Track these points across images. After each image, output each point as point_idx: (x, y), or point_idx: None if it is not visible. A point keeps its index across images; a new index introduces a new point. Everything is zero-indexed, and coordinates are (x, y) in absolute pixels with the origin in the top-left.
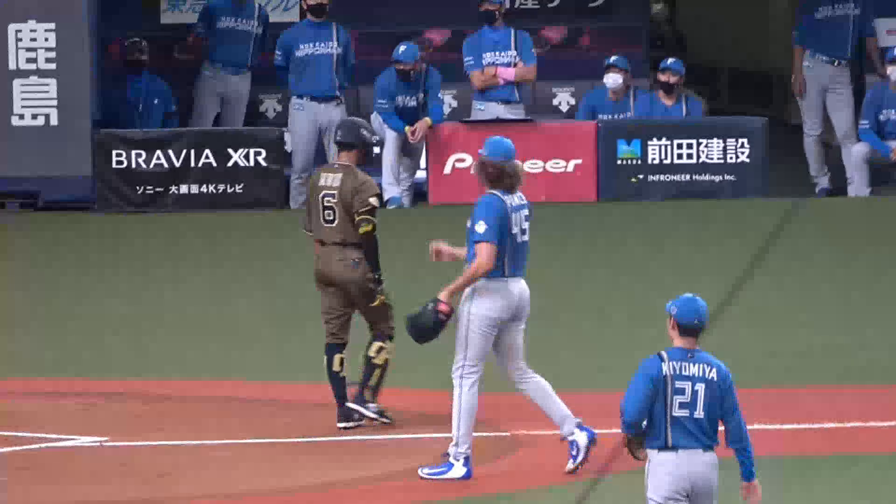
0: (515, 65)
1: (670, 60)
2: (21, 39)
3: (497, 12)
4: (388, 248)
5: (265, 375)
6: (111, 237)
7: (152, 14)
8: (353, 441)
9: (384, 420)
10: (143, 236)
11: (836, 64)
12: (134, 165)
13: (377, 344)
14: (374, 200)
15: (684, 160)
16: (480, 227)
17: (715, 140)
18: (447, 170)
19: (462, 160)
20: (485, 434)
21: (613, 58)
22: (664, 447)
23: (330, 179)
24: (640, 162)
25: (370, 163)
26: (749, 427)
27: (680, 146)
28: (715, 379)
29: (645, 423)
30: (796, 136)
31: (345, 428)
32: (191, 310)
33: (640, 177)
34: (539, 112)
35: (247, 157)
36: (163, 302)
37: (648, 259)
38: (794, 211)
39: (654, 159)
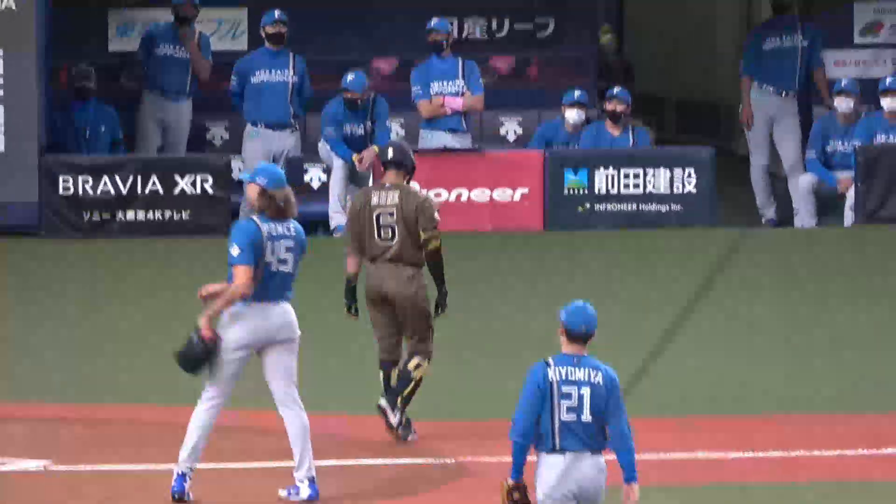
0: (463, 94)
1: (616, 89)
2: None
3: (445, 42)
4: (335, 276)
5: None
6: (57, 263)
7: (100, 41)
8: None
9: (405, 433)
10: (89, 263)
11: (783, 95)
12: (81, 192)
13: (417, 359)
14: (437, 216)
15: (631, 190)
16: (234, 251)
17: (662, 170)
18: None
19: None
20: (430, 460)
21: (577, 93)
22: (552, 450)
23: (385, 198)
24: (587, 191)
25: (318, 191)
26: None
27: (627, 175)
28: (601, 383)
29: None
30: (744, 166)
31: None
32: (135, 336)
33: (587, 206)
34: (486, 141)
35: (193, 183)
36: (108, 328)
37: (595, 289)
38: (741, 241)
39: (601, 189)
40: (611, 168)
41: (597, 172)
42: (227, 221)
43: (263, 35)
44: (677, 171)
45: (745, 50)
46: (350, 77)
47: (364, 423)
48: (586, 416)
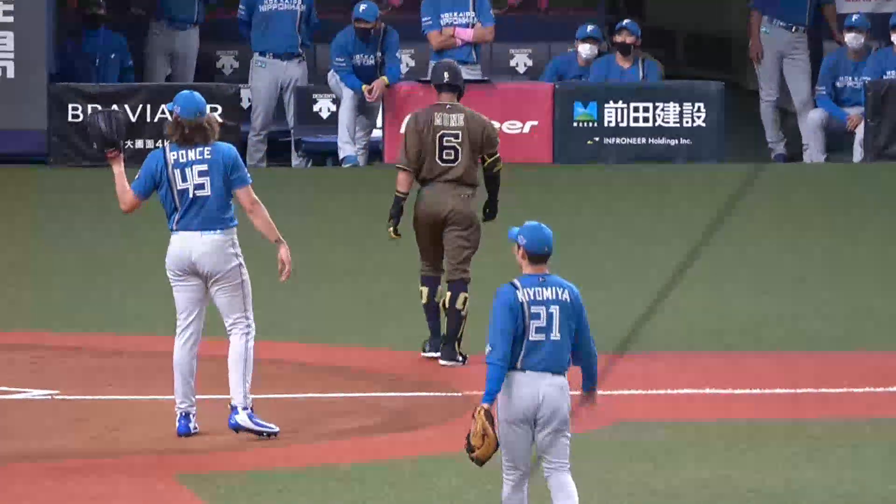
0: (473, 25)
1: (626, 21)
2: None
3: None
4: (344, 206)
5: (218, 332)
6: (65, 191)
7: None
8: (305, 399)
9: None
10: (97, 191)
11: (793, 30)
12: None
13: (463, 295)
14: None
15: (640, 123)
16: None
17: (671, 104)
18: (403, 129)
19: None
20: (438, 394)
21: (590, 28)
22: (515, 368)
23: (449, 119)
24: (596, 125)
25: (327, 121)
26: (700, 391)
27: (636, 109)
28: (568, 300)
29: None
30: (754, 101)
31: (445, 365)
32: (143, 264)
33: (596, 139)
34: (496, 73)
35: None
36: (115, 256)
37: (603, 222)
38: (750, 176)
39: (610, 122)
40: (620, 102)
41: (606, 106)
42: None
43: None
44: (686, 106)
45: None
46: (363, 7)
47: (373, 355)
48: (555, 335)
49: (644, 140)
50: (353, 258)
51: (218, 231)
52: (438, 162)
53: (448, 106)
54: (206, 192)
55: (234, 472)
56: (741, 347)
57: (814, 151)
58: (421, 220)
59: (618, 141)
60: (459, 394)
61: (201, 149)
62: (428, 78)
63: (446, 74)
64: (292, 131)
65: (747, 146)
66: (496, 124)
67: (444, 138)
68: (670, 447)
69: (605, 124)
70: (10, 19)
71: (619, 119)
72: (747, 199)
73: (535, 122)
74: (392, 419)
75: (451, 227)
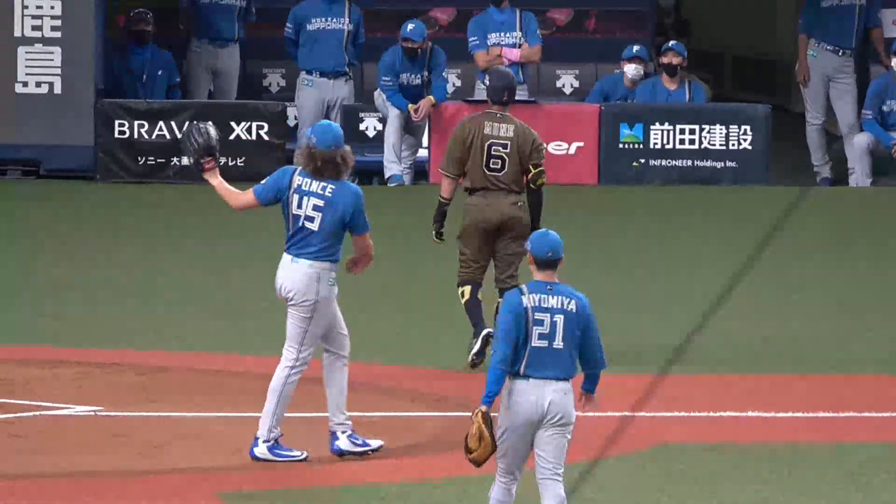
0: (520, 46)
1: (672, 42)
2: (27, 7)
3: None
4: (390, 225)
5: (261, 350)
6: (111, 207)
7: None
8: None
9: None
10: (144, 207)
11: (840, 53)
12: (136, 136)
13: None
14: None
15: (686, 146)
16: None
17: (718, 126)
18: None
19: None
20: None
21: (636, 48)
22: (516, 375)
23: (499, 129)
24: (642, 146)
25: (373, 140)
26: (743, 414)
27: (682, 131)
28: (574, 310)
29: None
30: (800, 124)
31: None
32: (189, 282)
33: (642, 161)
34: (543, 93)
35: (249, 130)
36: (161, 273)
37: (648, 244)
38: (796, 200)
39: (656, 144)
40: (666, 123)
41: (652, 127)
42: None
43: None
44: (733, 128)
45: (803, 7)
46: (410, 26)
47: (417, 374)
48: (558, 343)
49: (690, 162)
50: (398, 277)
51: (309, 260)
52: (485, 171)
53: (499, 115)
54: (314, 226)
55: (275, 489)
56: (785, 370)
57: (859, 175)
58: (473, 224)
59: (663, 163)
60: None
61: (325, 184)
62: (475, 97)
63: (506, 95)
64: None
65: (793, 169)
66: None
67: (493, 147)
68: (712, 470)
69: (651, 146)
70: (58, 34)
71: (664, 141)
72: (792, 223)
73: (581, 144)
74: (434, 439)
75: (507, 234)
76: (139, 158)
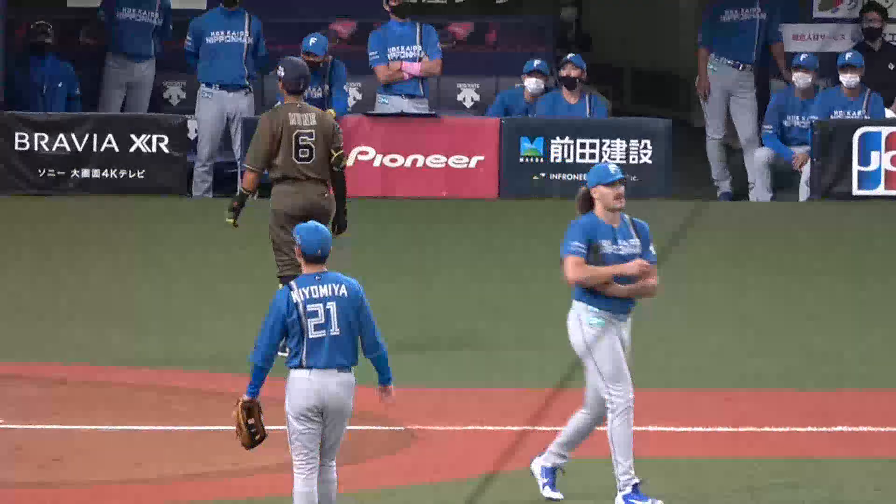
0: (420, 59)
1: (570, 55)
2: None
3: (404, 6)
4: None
5: (161, 363)
6: (11, 220)
7: None
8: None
9: None
10: (44, 220)
11: (740, 68)
12: (36, 148)
13: None
14: None
15: (587, 159)
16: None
17: (618, 140)
18: (349, 162)
19: (365, 153)
20: (379, 428)
21: (537, 62)
22: (299, 367)
23: (302, 119)
24: (542, 160)
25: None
26: (643, 429)
27: (583, 145)
28: (346, 295)
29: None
30: (700, 138)
31: None
32: (89, 295)
33: (542, 175)
34: (443, 107)
35: (149, 143)
36: (61, 286)
37: (549, 257)
38: (696, 214)
39: (556, 158)
40: (567, 137)
41: (552, 142)
42: (181, 181)
43: None
44: (633, 142)
45: (703, 21)
46: (312, 40)
47: None
48: (335, 330)
49: None
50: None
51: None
52: (295, 161)
53: (299, 105)
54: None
55: (176, 502)
56: (683, 385)
57: (759, 189)
58: (287, 214)
59: (564, 177)
60: (402, 428)
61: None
62: (376, 111)
63: (302, 83)
64: (238, 162)
65: (693, 183)
66: (443, 158)
67: (300, 137)
68: (610, 484)
69: (552, 160)
70: None
71: (565, 155)
72: (692, 236)
73: (482, 157)
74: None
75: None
76: (39, 171)
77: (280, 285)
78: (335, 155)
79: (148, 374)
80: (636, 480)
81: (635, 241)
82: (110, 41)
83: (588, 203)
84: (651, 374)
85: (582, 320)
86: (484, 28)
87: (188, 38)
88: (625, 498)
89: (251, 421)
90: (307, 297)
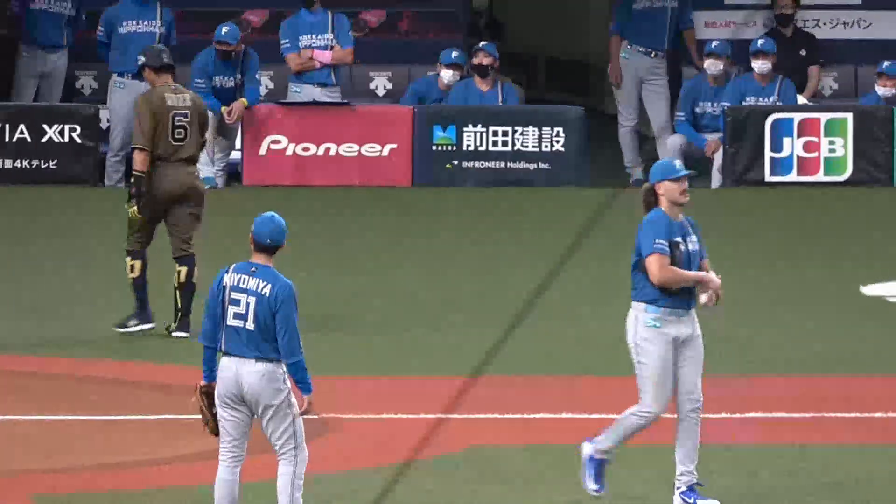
0: (332, 48)
1: (482, 43)
2: None
3: None
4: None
5: (74, 352)
6: None
7: None
8: (165, 420)
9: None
10: None
11: (653, 55)
12: None
13: (195, 269)
14: None
15: (500, 147)
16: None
17: (531, 128)
18: (262, 151)
19: (277, 142)
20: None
21: (455, 53)
22: (222, 352)
23: (177, 100)
24: (455, 148)
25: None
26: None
27: (496, 133)
28: (267, 295)
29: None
30: (613, 126)
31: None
32: (3, 282)
33: (455, 163)
34: (356, 95)
35: (62, 133)
36: None
37: (461, 245)
38: (609, 201)
39: (469, 146)
40: (479, 125)
41: (465, 129)
42: (93, 171)
43: None
44: (546, 130)
45: (615, 9)
46: (225, 29)
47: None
48: (250, 325)
49: (503, 164)
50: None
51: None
52: (171, 141)
53: (173, 87)
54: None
55: (88, 492)
56: (600, 371)
57: None
58: (159, 196)
59: (477, 165)
60: (316, 416)
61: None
62: (288, 99)
63: (164, 56)
64: None
65: (606, 171)
66: (355, 147)
67: (176, 118)
68: (526, 471)
69: (465, 148)
70: None
71: (478, 143)
72: (604, 223)
73: (395, 145)
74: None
75: (186, 205)
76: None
77: (126, 258)
78: (203, 138)
79: (59, 363)
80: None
81: (694, 237)
82: (23, 31)
83: (653, 199)
84: (563, 362)
85: (639, 320)
86: (397, 16)
87: (100, 27)
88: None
89: (215, 409)
90: (235, 284)
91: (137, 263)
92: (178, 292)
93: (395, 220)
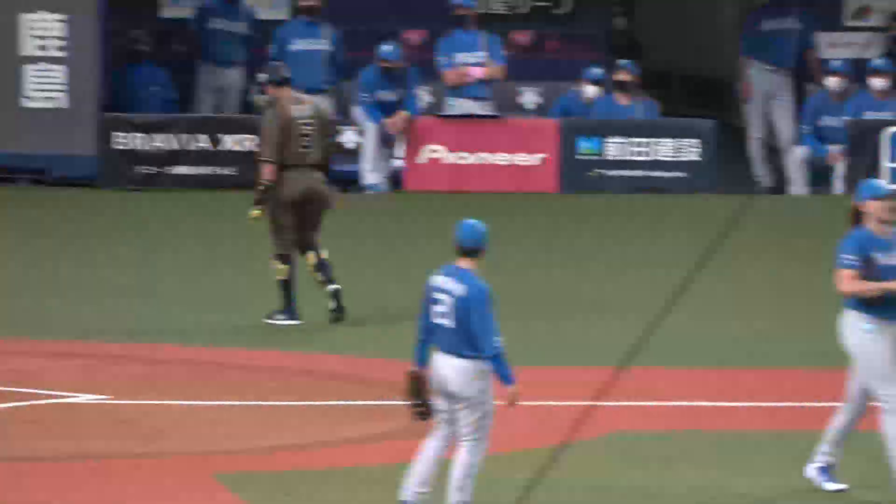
0: (484, 65)
1: (623, 61)
2: (33, 28)
3: (469, 16)
4: (370, 231)
5: (254, 343)
6: (113, 212)
7: (152, 9)
8: (333, 406)
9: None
10: (142, 212)
11: (779, 73)
12: (135, 147)
13: (313, 251)
14: None
15: (639, 157)
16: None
17: (668, 139)
18: (422, 159)
19: (435, 151)
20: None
21: (598, 71)
22: (432, 346)
23: (302, 111)
24: (599, 158)
25: (351, 152)
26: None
27: (635, 144)
28: (464, 296)
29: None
30: (743, 137)
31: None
32: (186, 280)
33: (599, 171)
34: (507, 110)
35: (238, 141)
36: (159, 272)
37: (604, 248)
38: (740, 207)
39: (611, 156)
40: (620, 137)
41: (607, 140)
42: None
43: (300, 6)
44: (681, 141)
45: (744, 31)
46: (388, 48)
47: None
48: (450, 323)
49: (643, 172)
50: (373, 274)
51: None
52: (299, 149)
53: (295, 97)
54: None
55: (265, 471)
56: (731, 363)
57: (797, 185)
58: (290, 200)
59: (618, 173)
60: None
61: None
62: (445, 112)
63: (284, 71)
64: None
65: (737, 179)
66: (507, 156)
67: (300, 127)
68: (666, 455)
69: (607, 157)
70: (65, 54)
71: (619, 153)
72: (738, 228)
73: (543, 155)
74: (413, 424)
75: (313, 206)
76: (137, 167)
77: (276, 262)
78: (328, 141)
79: (240, 354)
80: None
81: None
82: (201, 49)
83: (858, 216)
84: (702, 355)
85: (855, 325)
86: (544, 36)
87: (272, 45)
88: None
89: (423, 397)
90: (439, 284)
91: (287, 268)
92: (317, 272)
93: (545, 223)
